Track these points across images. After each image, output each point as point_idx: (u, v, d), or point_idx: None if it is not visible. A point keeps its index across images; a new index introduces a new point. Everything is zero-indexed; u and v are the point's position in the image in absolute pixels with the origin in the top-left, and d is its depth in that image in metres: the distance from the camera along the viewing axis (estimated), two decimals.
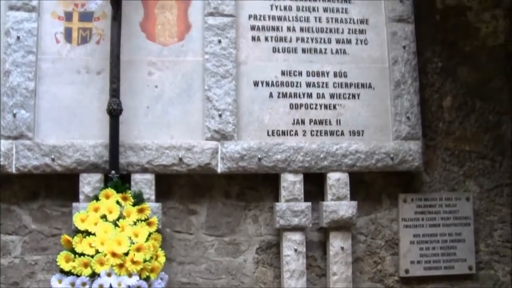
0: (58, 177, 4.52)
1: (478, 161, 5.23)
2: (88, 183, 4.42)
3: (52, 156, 4.40)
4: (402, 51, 4.98)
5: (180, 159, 4.54)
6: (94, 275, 3.90)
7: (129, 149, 4.50)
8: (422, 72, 5.12)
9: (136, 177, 4.49)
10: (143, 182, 4.48)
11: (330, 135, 4.84)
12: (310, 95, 4.87)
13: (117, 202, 4.18)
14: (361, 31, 5.03)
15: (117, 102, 4.37)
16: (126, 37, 4.62)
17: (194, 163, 4.55)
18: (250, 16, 4.88)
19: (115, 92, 4.39)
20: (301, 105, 4.84)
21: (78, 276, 3.90)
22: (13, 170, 4.38)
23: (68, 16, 4.68)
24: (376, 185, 5.00)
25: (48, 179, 4.53)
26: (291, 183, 4.67)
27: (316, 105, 4.86)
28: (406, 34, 5.02)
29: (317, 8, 4.99)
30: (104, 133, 4.46)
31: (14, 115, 4.42)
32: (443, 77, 5.22)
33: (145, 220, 4.18)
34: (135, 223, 4.11)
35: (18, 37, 4.51)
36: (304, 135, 4.81)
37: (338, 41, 4.97)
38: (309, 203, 4.69)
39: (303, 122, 4.83)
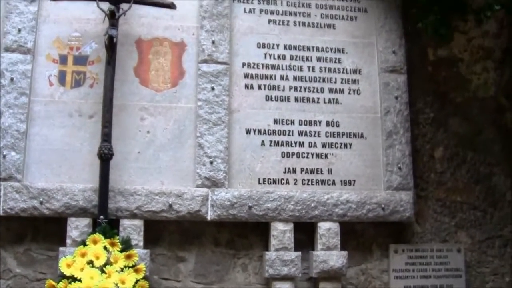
0: (45, 221, 4.50)
1: (470, 212, 5.26)
2: (76, 227, 4.40)
3: (41, 199, 4.40)
4: (394, 101, 5.07)
5: (170, 206, 4.54)
6: None
7: (119, 194, 4.50)
8: (414, 122, 5.20)
9: (125, 223, 4.48)
10: (132, 228, 4.47)
11: (322, 184, 4.88)
12: (302, 144, 4.92)
13: (105, 248, 4.16)
14: (354, 81, 5.13)
15: (108, 147, 4.40)
16: (120, 81, 4.69)
17: (184, 210, 4.56)
18: (244, 64, 4.97)
19: (106, 136, 4.43)
20: (292, 153, 4.89)
21: None
22: (0, 212, 4.36)
23: (63, 59, 4.75)
24: (367, 235, 5.01)
25: (35, 222, 4.51)
26: (281, 232, 4.68)
27: (308, 154, 4.91)
28: (399, 85, 5.12)
29: (311, 57, 5.10)
30: (94, 177, 4.47)
31: (4, 157, 4.43)
32: (435, 127, 5.30)
33: (133, 266, 4.14)
34: (122, 270, 4.08)
35: (12, 79, 4.57)
36: (295, 183, 4.84)
37: (331, 91, 5.06)
38: (299, 253, 4.68)
39: (294, 170, 4.86)
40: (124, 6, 4.61)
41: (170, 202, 4.54)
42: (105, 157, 4.39)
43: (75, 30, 4.80)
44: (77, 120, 4.65)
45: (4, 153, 4.43)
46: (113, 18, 4.53)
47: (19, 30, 4.65)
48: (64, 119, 4.64)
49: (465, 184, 5.29)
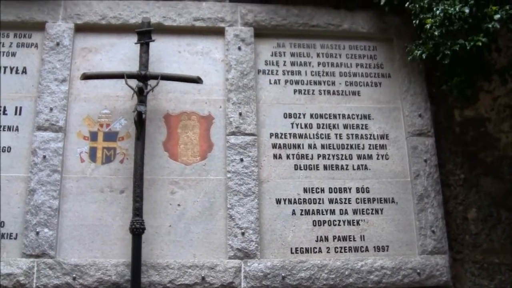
0: None
1: (509, 274, 5.19)
2: None
3: (74, 275, 4.52)
4: (423, 164, 5.16)
5: (203, 278, 4.62)
6: None
7: (151, 268, 4.60)
8: (444, 184, 5.25)
9: None
10: None
11: (355, 251, 4.92)
12: (333, 212, 5.01)
13: None
14: (382, 146, 5.25)
15: (140, 221, 4.53)
16: (149, 156, 4.87)
17: (217, 282, 4.62)
18: (271, 135, 5.14)
19: (138, 211, 4.56)
20: (324, 221, 4.97)
21: None
22: None
23: (93, 136, 4.97)
24: None
25: None
26: None
27: (339, 221, 4.99)
28: (427, 148, 5.22)
29: (337, 125, 5.25)
30: (126, 252, 4.60)
31: (37, 234, 4.59)
32: (467, 188, 5.31)
33: None
34: None
35: (44, 157, 4.78)
36: (328, 252, 4.89)
37: (359, 157, 5.18)
38: None
39: (326, 239, 4.93)
40: (152, 82, 4.87)
41: (203, 275, 4.62)
42: (137, 232, 4.51)
43: (104, 107, 5.05)
44: (109, 196, 4.82)
45: (37, 230, 4.59)
46: (141, 94, 4.75)
47: (51, 109, 4.91)
48: (95, 195, 4.82)
49: (502, 244, 5.24)
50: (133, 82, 4.81)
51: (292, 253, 4.86)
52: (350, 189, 5.08)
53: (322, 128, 5.22)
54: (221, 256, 4.75)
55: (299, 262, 4.76)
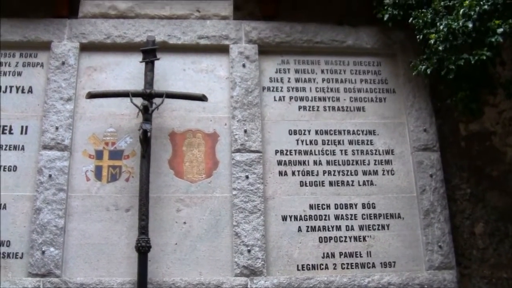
0: None
1: None
2: None
3: None
4: (429, 179, 5.14)
5: None
6: None
7: (157, 286, 4.58)
8: (451, 199, 5.22)
9: None
10: None
11: (361, 267, 4.89)
12: (339, 228, 4.98)
13: None
14: (387, 162, 5.23)
15: (146, 240, 4.52)
16: (155, 174, 4.87)
17: None
18: (276, 151, 5.14)
19: (143, 229, 4.55)
20: (330, 238, 4.94)
21: None
22: None
23: (99, 155, 4.98)
24: None
25: None
26: None
27: (346, 237, 4.96)
28: (433, 163, 5.20)
29: (343, 141, 5.24)
30: (132, 271, 4.58)
31: (43, 253, 4.58)
32: (473, 203, 5.28)
33: None
34: None
35: (50, 175, 4.79)
36: (334, 268, 4.86)
37: (364, 173, 5.17)
38: None
39: (333, 255, 4.90)
40: (157, 100, 4.87)
41: None
42: (143, 250, 4.49)
43: (110, 126, 5.06)
44: (114, 214, 4.82)
45: (43, 249, 4.58)
46: (146, 112, 4.77)
47: (57, 128, 4.93)
48: (101, 214, 4.81)
49: (510, 259, 5.18)
50: (138, 101, 4.83)
51: (298, 270, 4.83)
52: (356, 205, 5.07)
53: (327, 144, 5.22)
54: (227, 274, 4.73)
55: (305, 279, 4.74)
